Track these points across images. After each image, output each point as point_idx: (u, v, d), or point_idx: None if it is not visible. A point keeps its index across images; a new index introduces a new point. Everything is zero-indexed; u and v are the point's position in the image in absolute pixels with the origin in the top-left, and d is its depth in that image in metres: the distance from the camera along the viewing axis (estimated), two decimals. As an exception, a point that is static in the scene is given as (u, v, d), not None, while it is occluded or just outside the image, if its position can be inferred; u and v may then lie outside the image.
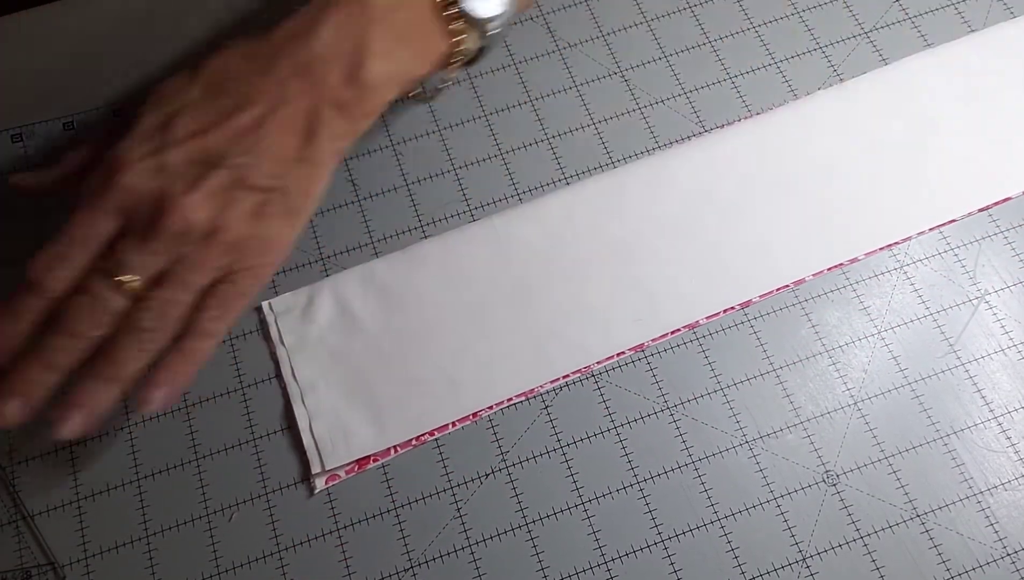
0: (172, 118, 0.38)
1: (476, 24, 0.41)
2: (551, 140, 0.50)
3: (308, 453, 0.43)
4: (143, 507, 0.43)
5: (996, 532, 0.40)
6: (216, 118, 0.38)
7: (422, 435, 0.43)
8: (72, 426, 0.37)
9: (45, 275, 0.37)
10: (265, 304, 0.46)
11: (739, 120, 0.50)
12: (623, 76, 0.51)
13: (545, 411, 0.44)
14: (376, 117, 0.41)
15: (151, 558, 0.42)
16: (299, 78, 0.38)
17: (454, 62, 0.43)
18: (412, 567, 0.41)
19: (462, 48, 0.42)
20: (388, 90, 0.40)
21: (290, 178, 0.39)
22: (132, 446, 0.44)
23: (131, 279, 0.37)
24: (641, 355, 0.44)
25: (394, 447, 0.43)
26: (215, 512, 0.42)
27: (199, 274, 0.38)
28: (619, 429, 0.43)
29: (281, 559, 0.41)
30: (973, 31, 0.51)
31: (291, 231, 0.40)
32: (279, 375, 0.45)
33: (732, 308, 0.45)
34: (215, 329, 0.39)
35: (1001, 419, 0.42)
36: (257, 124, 0.38)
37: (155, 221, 0.37)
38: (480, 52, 0.44)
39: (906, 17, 0.52)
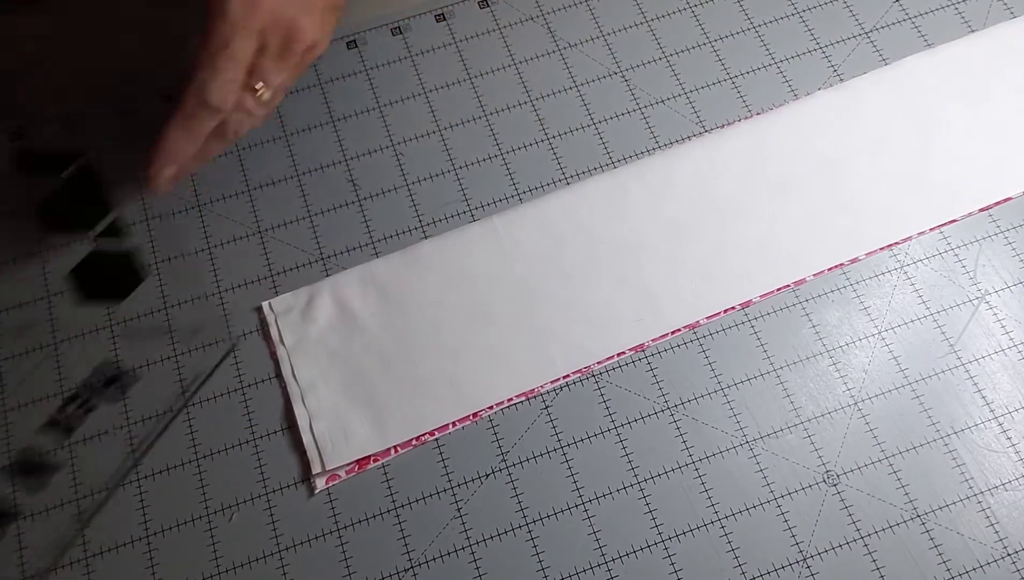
0: None
1: None
2: (551, 140, 0.50)
3: (308, 453, 0.43)
4: (143, 507, 0.43)
5: (996, 532, 0.40)
6: None
7: (422, 435, 0.43)
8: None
9: (223, 98, 0.42)
10: (265, 304, 0.46)
11: (739, 120, 0.50)
12: (623, 76, 0.51)
13: (545, 411, 0.44)
14: None
15: (151, 558, 0.41)
16: None
17: None
18: (412, 567, 0.41)
19: None
20: None
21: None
22: (132, 446, 0.44)
23: (265, 90, 0.44)
24: (641, 355, 0.44)
25: (394, 447, 0.43)
26: (215, 512, 0.42)
27: (294, 79, 0.45)
28: (619, 429, 0.43)
29: (281, 559, 0.41)
30: (973, 31, 0.51)
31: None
32: (279, 375, 0.45)
33: (732, 308, 0.45)
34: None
35: (1001, 419, 0.42)
36: None
37: (289, 41, 0.43)
38: None
39: (906, 17, 0.52)
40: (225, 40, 0.42)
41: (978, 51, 0.50)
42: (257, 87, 0.43)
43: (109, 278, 0.39)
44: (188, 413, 0.44)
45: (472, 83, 0.52)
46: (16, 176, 0.50)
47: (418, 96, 0.51)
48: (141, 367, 0.45)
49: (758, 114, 0.50)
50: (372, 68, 0.52)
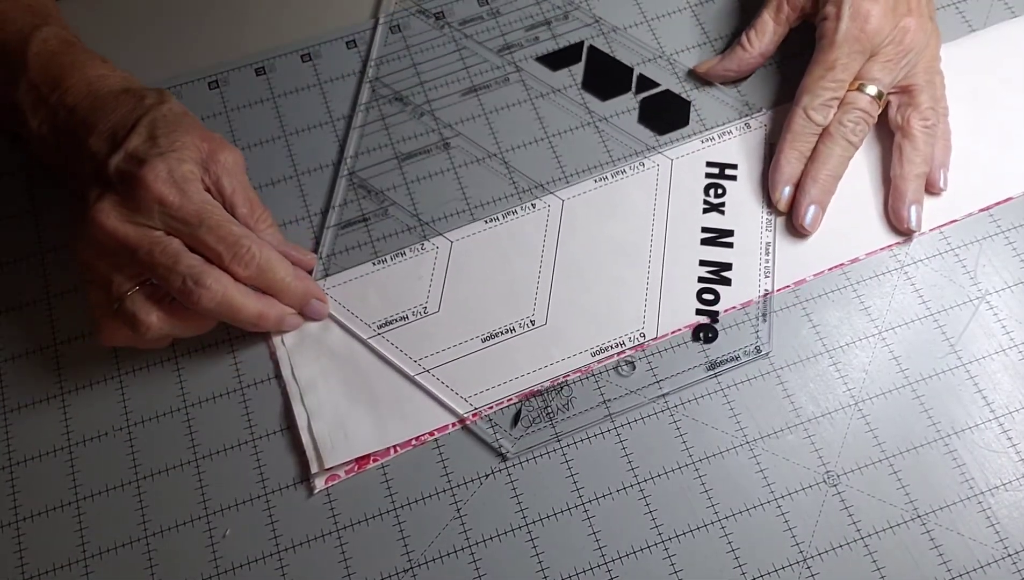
0: None
1: None
2: (551, 139, 0.50)
3: (307, 453, 0.43)
4: (143, 507, 0.42)
5: (997, 533, 0.40)
6: None
7: (422, 435, 0.43)
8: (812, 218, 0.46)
9: (825, 115, 0.46)
10: (265, 304, 0.46)
11: (739, 119, 0.50)
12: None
13: (545, 411, 0.43)
14: None
15: (151, 559, 0.41)
16: None
17: None
18: (412, 567, 0.41)
19: None
20: None
21: None
22: (132, 446, 0.44)
23: (877, 91, 0.46)
24: (642, 355, 0.44)
25: (394, 447, 0.43)
26: (215, 512, 0.42)
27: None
28: (619, 429, 0.43)
29: (281, 560, 0.41)
30: (974, 31, 0.51)
31: None
32: (279, 375, 0.45)
33: (733, 308, 0.45)
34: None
35: (1002, 419, 0.42)
36: None
37: (898, 46, 0.46)
38: None
39: (907, 16, 0.52)
40: (831, 64, 0.46)
41: (979, 50, 0.50)
42: (866, 90, 0.46)
43: (665, 113, 0.50)
44: (188, 413, 0.44)
45: (472, 82, 0.52)
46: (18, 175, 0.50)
47: (419, 98, 0.51)
48: (141, 369, 0.45)
49: (758, 113, 0.50)
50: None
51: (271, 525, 0.42)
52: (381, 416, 0.43)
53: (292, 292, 0.44)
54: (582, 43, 0.52)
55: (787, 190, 0.46)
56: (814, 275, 0.46)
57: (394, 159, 0.50)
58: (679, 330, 0.45)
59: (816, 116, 0.46)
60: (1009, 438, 0.42)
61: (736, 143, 0.49)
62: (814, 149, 0.46)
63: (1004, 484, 0.41)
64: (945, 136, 0.47)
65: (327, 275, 0.47)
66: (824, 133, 0.46)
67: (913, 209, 0.46)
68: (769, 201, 0.47)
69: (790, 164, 0.46)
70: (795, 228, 0.46)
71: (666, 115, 0.50)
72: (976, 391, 0.43)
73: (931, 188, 0.46)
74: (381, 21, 0.54)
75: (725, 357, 0.44)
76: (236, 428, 0.44)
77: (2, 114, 0.46)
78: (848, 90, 0.46)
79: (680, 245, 0.46)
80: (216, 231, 0.40)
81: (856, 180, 0.47)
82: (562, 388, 0.44)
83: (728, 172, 0.48)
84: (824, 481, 0.41)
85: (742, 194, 0.47)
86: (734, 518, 0.41)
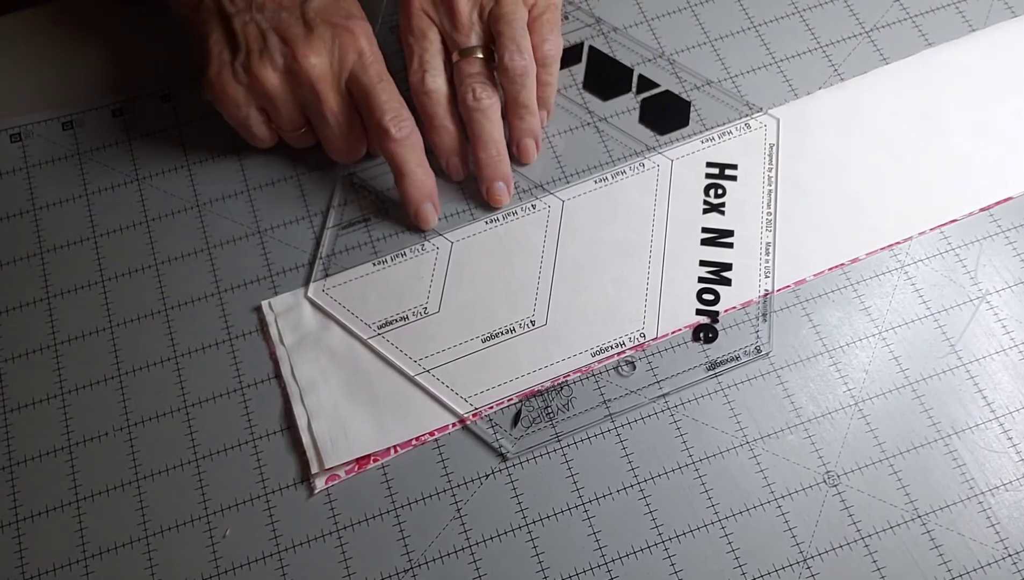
0: None
1: None
2: (550, 139, 0.50)
3: (307, 453, 0.43)
4: (143, 507, 0.43)
5: (997, 533, 0.40)
6: None
7: (422, 435, 0.43)
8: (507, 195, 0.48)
9: (426, 86, 0.46)
10: (265, 304, 0.46)
11: (739, 119, 0.50)
12: (623, 75, 0.51)
13: (545, 411, 0.43)
14: None
15: (150, 559, 0.41)
16: None
17: None
18: (412, 567, 0.41)
19: None
20: None
21: None
22: (132, 446, 0.44)
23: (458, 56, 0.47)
24: (642, 355, 0.44)
25: (394, 447, 0.43)
26: (215, 512, 0.42)
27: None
28: (619, 429, 0.43)
29: (281, 560, 0.41)
30: (974, 30, 0.51)
31: None
32: (279, 375, 0.45)
33: (733, 307, 0.45)
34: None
35: (1002, 419, 0.42)
36: None
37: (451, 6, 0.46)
38: None
39: (907, 16, 0.52)
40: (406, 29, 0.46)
41: (979, 50, 0.50)
42: (453, 58, 0.47)
43: (666, 113, 0.50)
44: (188, 413, 0.44)
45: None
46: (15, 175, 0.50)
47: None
48: (141, 369, 0.45)
49: (758, 113, 0.50)
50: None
51: (271, 525, 0.42)
52: (381, 416, 0.43)
53: (418, 182, 0.46)
54: (582, 43, 0.52)
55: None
56: (814, 275, 0.46)
57: (394, 159, 0.50)
58: (679, 330, 0.45)
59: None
60: (1009, 438, 0.42)
61: (736, 143, 0.49)
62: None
63: (1004, 484, 0.41)
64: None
65: (327, 275, 0.47)
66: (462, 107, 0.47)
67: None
68: (769, 201, 0.47)
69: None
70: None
71: (666, 115, 0.50)
72: (976, 391, 0.43)
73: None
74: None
75: (725, 357, 0.44)
76: (236, 428, 0.44)
77: None
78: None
79: (680, 245, 0.46)
80: (389, 92, 0.45)
81: (855, 179, 0.47)
82: (562, 388, 0.44)
83: (728, 172, 0.48)
84: (824, 481, 0.41)
85: (742, 194, 0.47)
86: (734, 518, 0.41)
